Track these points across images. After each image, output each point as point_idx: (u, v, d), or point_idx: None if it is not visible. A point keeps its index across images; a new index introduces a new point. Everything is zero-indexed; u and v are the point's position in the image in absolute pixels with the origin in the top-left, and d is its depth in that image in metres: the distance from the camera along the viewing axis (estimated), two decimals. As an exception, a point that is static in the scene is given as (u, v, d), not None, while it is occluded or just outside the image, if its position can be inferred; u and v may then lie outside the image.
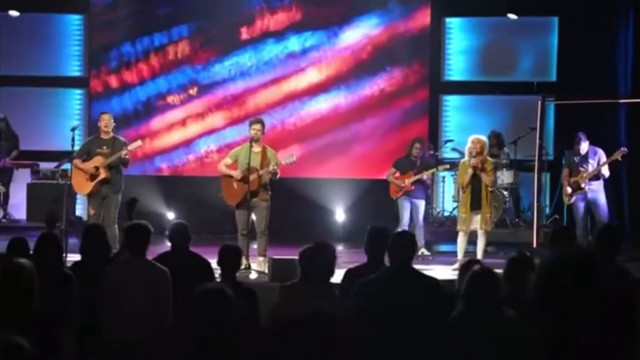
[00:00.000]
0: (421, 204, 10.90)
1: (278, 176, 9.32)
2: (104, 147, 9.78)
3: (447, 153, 12.79)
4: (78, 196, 13.06)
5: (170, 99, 13.38)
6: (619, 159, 10.43)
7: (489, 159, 9.96)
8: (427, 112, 13.20)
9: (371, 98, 13.22)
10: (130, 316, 5.46)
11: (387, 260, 5.33)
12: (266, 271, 8.80)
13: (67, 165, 12.77)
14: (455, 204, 12.43)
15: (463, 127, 13.11)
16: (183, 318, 4.83)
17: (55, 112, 13.61)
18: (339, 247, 12.02)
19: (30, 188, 12.74)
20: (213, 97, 13.34)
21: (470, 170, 9.65)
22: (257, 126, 9.39)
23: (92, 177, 9.71)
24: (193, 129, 13.37)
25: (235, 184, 9.39)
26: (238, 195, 9.32)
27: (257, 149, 9.34)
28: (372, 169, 13.17)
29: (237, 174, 9.36)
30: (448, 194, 12.75)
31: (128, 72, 13.40)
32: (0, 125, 12.49)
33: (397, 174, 10.86)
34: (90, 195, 9.81)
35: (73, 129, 10.13)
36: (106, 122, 9.86)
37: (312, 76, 13.27)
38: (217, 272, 5.96)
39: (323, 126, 13.23)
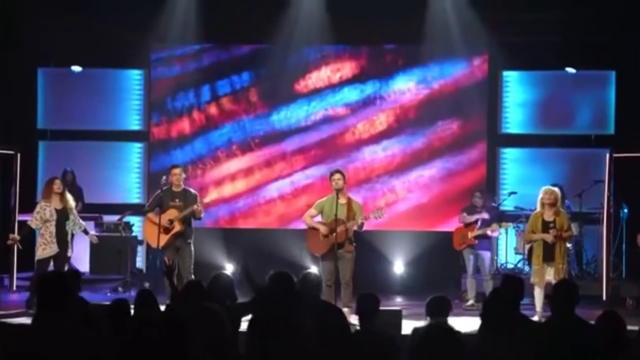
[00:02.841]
0: (486, 255, 11.02)
1: (364, 229, 9.43)
2: (176, 200, 9.86)
3: (506, 205, 12.80)
4: (139, 248, 13.20)
5: (228, 151, 13.52)
6: None
7: (562, 210, 9.96)
8: (485, 165, 13.30)
9: (427, 150, 13.34)
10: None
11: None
12: (354, 322, 8.80)
13: (129, 218, 12.94)
14: (518, 257, 12.45)
15: (521, 179, 13.21)
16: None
17: (116, 165, 13.81)
18: (398, 299, 12.04)
19: (94, 240, 12.79)
20: (271, 148, 13.50)
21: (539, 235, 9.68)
22: (337, 176, 9.54)
23: (167, 230, 9.76)
24: (252, 179, 13.49)
25: (322, 236, 9.49)
26: (324, 247, 9.43)
27: (342, 200, 9.47)
28: (428, 220, 13.25)
29: (324, 229, 9.47)
30: (511, 246, 12.76)
31: (185, 124, 13.58)
32: (68, 178, 12.59)
33: (461, 226, 11.00)
34: (164, 248, 9.84)
35: (163, 184, 10.02)
36: (177, 175, 9.96)
37: (368, 126, 13.41)
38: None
39: (379, 176, 13.35)
